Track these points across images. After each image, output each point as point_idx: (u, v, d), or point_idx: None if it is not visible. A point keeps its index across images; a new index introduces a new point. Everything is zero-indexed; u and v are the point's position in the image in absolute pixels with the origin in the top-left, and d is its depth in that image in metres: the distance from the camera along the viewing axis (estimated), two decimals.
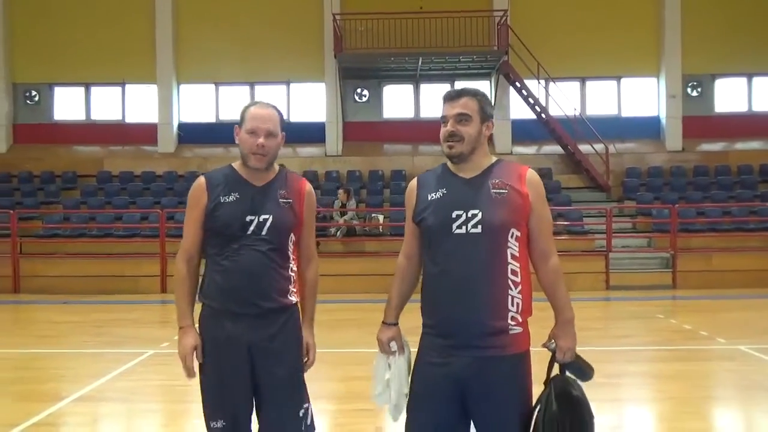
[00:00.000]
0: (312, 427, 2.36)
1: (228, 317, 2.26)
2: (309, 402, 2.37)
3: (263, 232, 2.27)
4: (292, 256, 2.36)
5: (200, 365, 2.31)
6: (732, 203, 12.74)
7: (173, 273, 2.39)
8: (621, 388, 4.96)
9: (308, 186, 2.43)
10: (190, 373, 2.30)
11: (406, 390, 2.25)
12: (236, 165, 2.40)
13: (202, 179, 2.38)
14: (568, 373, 2.17)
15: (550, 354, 2.19)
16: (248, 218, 2.27)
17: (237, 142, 2.36)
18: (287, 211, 2.32)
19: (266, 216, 2.27)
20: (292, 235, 2.35)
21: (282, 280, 2.30)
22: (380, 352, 2.29)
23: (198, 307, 2.38)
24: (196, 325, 2.35)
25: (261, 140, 2.28)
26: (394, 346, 2.27)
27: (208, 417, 2.31)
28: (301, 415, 2.32)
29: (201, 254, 2.36)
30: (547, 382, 2.15)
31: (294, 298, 2.35)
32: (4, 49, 14.94)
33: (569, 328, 2.17)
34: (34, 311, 9.72)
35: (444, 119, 2.16)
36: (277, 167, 2.41)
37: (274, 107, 2.37)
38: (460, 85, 13.12)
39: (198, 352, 2.29)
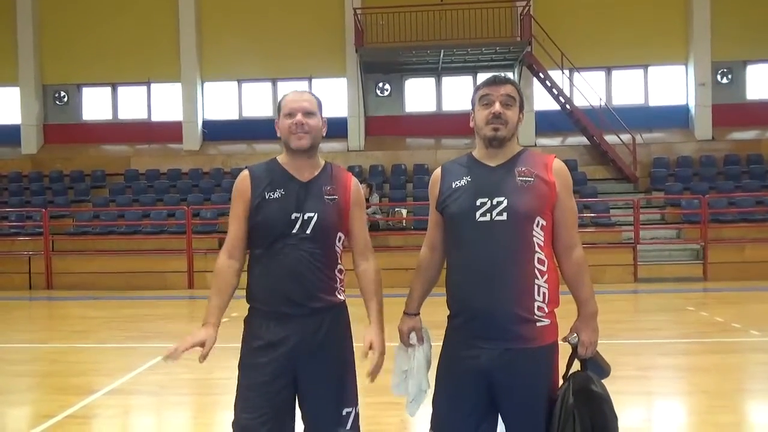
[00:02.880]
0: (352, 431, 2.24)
1: (275, 319, 2.19)
2: (355, 406, 2.26)
3: (308, 231, 2.18)
4: (340, 255, 2.28)
5: (239, 374, 2.23)
6: (765, 192, 12.40)
7: (214, 267, 2.29)
8: (652, 381, 4.88)
9: (354, 180, 2.36)
10: (173, 354, 2.11)
11: (425, 386, 2.23)
12: (281, 159, 2.31)
13: (246, 173, 2.28)
14: (588, 370, 2.13)
15: (571, 348, 2.16)
16: (293, 216, 2.18)
17: (279, 134, 2.29)
18: (333, 209, 2.24)
19: (311, 214, 2.19)
20: (339, 233, 2.27)
21: (329, 280, 2.23)
22: (400, 342, 2.28)
23: (245, 310, 2.29)
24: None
25: (299, 117, 2.21)
26: (414, 337, 2.25)
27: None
28: (344, 414, 2.22)
29: (245, 249, 2.28)
30: (566, 376, 2.13)
31: (342, 296, 2.27)
32: (33, 52, 15.29)
33: (592, 322, 2.14)
34: (66, 307, 9.95)
35: (488, 99, 2.11)
36: (322, 162, 2.32)
37: (311, 92, 2.33)
38: (482, 77, 13.01)
39: (205, 351, 2.16)
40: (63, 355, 6.20)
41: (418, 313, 2.29)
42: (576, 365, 2.17)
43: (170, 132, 15.27)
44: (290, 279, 2.17)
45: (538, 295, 2.05)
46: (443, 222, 2.18)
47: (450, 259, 2.17)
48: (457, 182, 2.14)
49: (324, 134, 2.32)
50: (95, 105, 15.86)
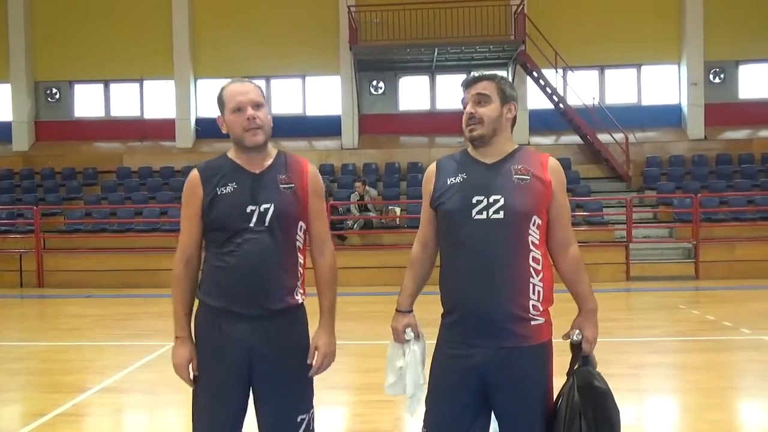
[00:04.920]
0: None
1: (227, 318, 2.09)
2: (310, 411, 2.19)
3: (266, 223, 2.08)
4: (301, 248, 2.18)
5: (196, 386, 2.16)
6: (756, 192, 12.49)
7: (172, 273, 2.17)
8: (644, 378, 4.90)
9: (311, 167, 2.23)
10: (190, 383, 2.17)
11: (423, 381, 2.21)
12: (230, 153, 2.21)
13: (195, 172, 2.19)
14: (587, 365, 2.13)
15: (570, 345, 2.15)
16: (249, 209, 2.08)
17: (224, 131, 2.19)
18: (290, 197, 2.13)
19: (267, 205, 2.09)
20: (301, 223, 2.16)
21: (289, 278, 2.12)
22: (394, 341, 2.25)
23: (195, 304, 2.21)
24: (192, 327, 2.19)
25: (250, 112, 2.10)
26: (410, 333, 2.23)
27: None
28: (298, 420, 2.15)
29: (200, 253, 2.18)
30: (570, 373, 2.12)
31: (300, 298, 2.17)
32: (25, 49, 15.16)
33: (594, 318, 2.14)
34: (58, 305, 9.89)
35: (463, 102, 2.15)
36: (274, 151, 2.22)
37: (250, 80, 2.20)
38: None
39: (193, 364, 2.13)
40: (55, 353, 6.16)
41: (411, 310, 2.27)
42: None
43: (163, 129, 15.19)
44: (247, 275, 2.07)
45: (533, 293, 2.05)
46: (437, 219, 2.16)
47: (444, 256, 2.15)
48: (452, 179, 2.11)
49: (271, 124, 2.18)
50: (87, 102, 15.75)
